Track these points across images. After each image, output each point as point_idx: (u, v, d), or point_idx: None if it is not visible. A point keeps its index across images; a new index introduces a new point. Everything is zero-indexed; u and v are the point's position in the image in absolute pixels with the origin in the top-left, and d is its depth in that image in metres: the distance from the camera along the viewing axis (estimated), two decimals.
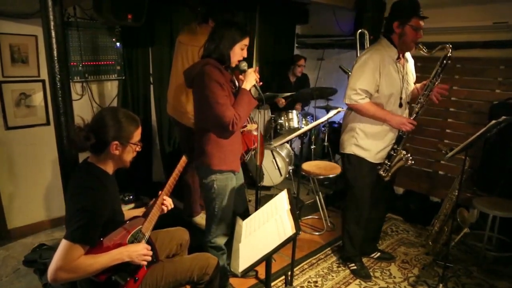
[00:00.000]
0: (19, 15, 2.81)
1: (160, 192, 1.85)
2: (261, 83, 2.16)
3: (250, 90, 2.12)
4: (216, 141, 2.12)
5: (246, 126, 3.05)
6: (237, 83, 2.25)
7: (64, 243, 1.44)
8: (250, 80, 2.11)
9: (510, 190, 3.19)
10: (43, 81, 3.04)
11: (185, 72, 2.18)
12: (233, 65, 2.13)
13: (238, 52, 2.11)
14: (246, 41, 2.11)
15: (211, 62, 2.03)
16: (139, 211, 1.90)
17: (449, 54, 2.24)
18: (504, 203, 2.93)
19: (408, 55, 2.52)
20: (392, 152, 2.47)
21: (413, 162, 2.42)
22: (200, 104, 2.12)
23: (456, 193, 2.63)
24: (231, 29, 2.05)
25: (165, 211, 1.85)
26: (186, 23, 3.15)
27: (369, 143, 2.48)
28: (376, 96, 2.40)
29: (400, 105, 2.45)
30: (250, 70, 2.14)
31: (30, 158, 3.10)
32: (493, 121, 2.23)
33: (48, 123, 3.13)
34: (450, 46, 2.24)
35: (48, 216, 3.27)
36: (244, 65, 2.15)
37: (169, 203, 1.85)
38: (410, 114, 2.46)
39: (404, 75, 2.43)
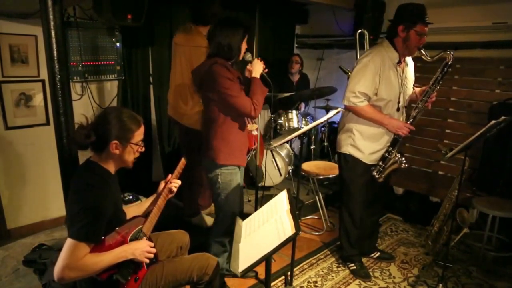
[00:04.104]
0: (19, 15, 2.81)
1: (169, 175, 1.88)
2: (266, 70, 2.29)
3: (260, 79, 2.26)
4: (223, 137, 2.21)
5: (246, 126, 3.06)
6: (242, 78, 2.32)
7: (69, 242, 1.45)
8: (258, 68, 2.25)
9: (509, 190, 3.19)
10: (43, 81, 3.04)
11: (193, 72, 2.27)
12: (240, 58, 2.25)
13: (244, 47, 2.23)
14: (246, 35, 2.24)
15: (219, 61, 2.13)
16: (149, 201, 1.93)
17: (450, 62, 2.26)
18: (503, 203, 2.94)
19: (408, 59, 2.53)
20: (386, 155, 2.49)
21: (406, 165, 2.45)
22: (211, 101, 2.19)
23: (456, 193, 2.63)
24: (237, 26, 2.17)
25: (174, 192, 1.87)
26: (186, 23, 3.14)
27: (364, 144, 2.50)
28: (374, 99, 2.41)
29: (398, 109, 2.47)
30: (256, 60, 2.27)
31: (29, 158, 3.10)
32: (493, 121, 2.23)
33: (48, 123, 3.13)
34: (452, 53, 2.24)
35: (48, 216, 3.27)
36: (249, 56, 2.28)
37: (177, 183, 1.88)
38: (407, 119, 2.47)
39: (403, 79, 2.44)
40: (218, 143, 2.21)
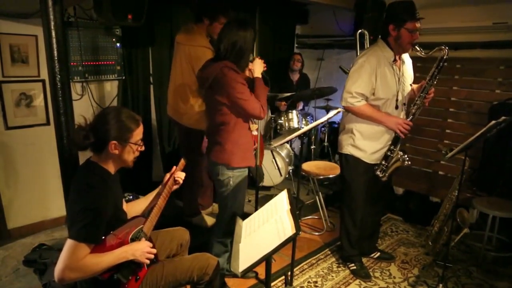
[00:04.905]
0: (19, 15, 2.81)
1: (174, 167, 1.92)
2: (266, 68, 2.34)
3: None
4: (236, 140, 2.22)
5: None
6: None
7: (69, 242, 1.45)
8: (259, 67, 2.28)
9: (509, 190, 3.19)
10: (43, 81, 3.04)
11: (201, 74, 2.24)
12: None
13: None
14: None
15: (229, 65, 2.12)
16: (154, 193, 1.95)
17: (445, 56, 2.25)
18: (503, 203, 2.94)
19: (405, 56, 2.53)
20: (388, 153, 2.48)
21: (409, 162, 2.44)
22: (220, 104, 2.18)
23: (456, 193, 2.63)
24: (249, 30, 2.16)
25: (180, 183, 1.91)
26: (186, 23, 3.15)
27: (365, 143, 2.50)
28: (372, 98, 2.42)
29: (396, 107, 2.47)
30: (257, 59, 2.30)
31: (30, 158, 3.10)
32: (493, 122, 2.23)
33: (48, 123, 3.13)
34: (446, 48, 2.25)
35: (48, 216, 3.27)
36: (250, 56, 2.29)
37: (182, 175, 1.91)
38: (407, 116, 2.47)
39: (401, 77, 2.45)
40: (232, 147, 2.22)
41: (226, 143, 2.22)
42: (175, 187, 1.91)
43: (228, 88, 2.10)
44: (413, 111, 2.40)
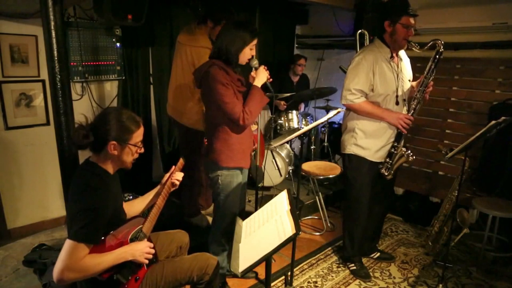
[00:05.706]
0: (19, 15, 2.81)
1: (173, 166, 1.93)
2: (271, 79, 2.25)
3: (262, 87, 2.21)
4: (225, 139, 2.20)
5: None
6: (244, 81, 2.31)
7: (68, 243, 1.44)
8: (262, 77, 2.20)
9: (509, 190, 3.19)
10: (43, 81, 3.04)
11: (194, 73, 2.25)
12: (243, 63, 2.20)
13: (248, 52, 2.17)
14: (255, 41, 2.17)
15: (217, 63, 2.10)
16: (153, 192, 1.96)
17: (440, 50, 2.28)
18: (503, 204, 2.94)
19: (402, 54, 2.56)
20: (392, 150, 2.48)
21: (414, 157, 2.45)
22: (210, 103, 2.20)
23: (456, 194, 2.64)
24: (241, 31, 2.10)
25: (177, 185, 1.91)
26: (186, 23, 3.15)
27: (368, 142, 2.51)
28: (371, 95, 2.43)
29: (397, 103, 2.47)
30: (261, 68, 2.22)
31: (30, 158, 3.10)
32: (493, 122, 2.24)
33: (48, 123, 3.13)
34: (442, 42, 2.27)
35: (48, 216, 3.26)
36: (255, 63, 2.25)
37: (180, 177, 1.92)
38: (408, 111, 2.47)
39: (399, 73, 2.46)
40: (220, 146, 2.21)
41: (216, 141, 2.22)
42: (173, 188, 1.91)
43: (209, 87, 2.08)
44: (414, 105, 2.42)
